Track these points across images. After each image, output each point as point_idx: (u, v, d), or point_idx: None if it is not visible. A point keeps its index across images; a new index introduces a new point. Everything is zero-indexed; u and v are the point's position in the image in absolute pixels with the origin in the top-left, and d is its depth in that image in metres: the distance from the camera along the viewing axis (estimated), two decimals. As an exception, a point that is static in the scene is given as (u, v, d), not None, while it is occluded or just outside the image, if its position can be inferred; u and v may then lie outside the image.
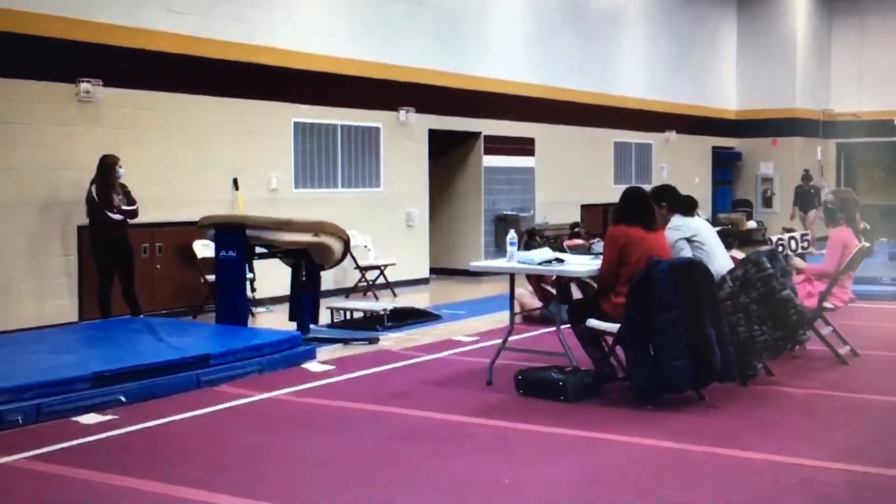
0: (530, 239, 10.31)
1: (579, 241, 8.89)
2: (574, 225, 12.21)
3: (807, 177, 16.66)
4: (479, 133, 12.72)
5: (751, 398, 5.45)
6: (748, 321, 5.59)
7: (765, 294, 5.67)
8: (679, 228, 5.78)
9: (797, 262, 6.73)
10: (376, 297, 10.29)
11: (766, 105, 19.04)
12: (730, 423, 4.95)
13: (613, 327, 5.37)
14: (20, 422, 4.86)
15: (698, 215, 6.13)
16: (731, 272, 5.68)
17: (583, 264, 5.88)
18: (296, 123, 10.22)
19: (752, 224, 17.85)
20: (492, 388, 5.74)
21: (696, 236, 5.75)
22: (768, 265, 5.73)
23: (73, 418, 5.01)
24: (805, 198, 16.64)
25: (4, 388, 4.97)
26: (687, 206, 5.94)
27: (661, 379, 5.11)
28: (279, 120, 10.00)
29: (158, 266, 8.76)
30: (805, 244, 6.80)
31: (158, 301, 8.63)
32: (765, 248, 6.50)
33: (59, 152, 8.01)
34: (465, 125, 12.49)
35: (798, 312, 5.85)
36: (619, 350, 5.59)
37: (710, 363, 5.17)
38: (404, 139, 11.58)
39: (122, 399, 5.31)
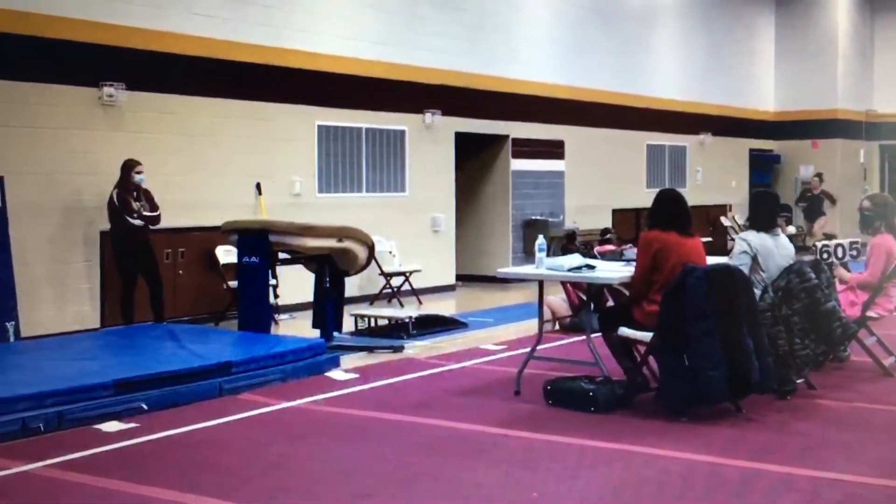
0: (569, 243, 10.26)
1: (611, 247, 8.85)
2: (605, 231, 12.16)
3: (817, 181, 15.67)
4: (507, 136, 12.72)
5: (790, 411, 5.38)
6: (789, 334, 5.51)
7: (808, 306, 5.58)
8: (748, 242, 5.69)
9: (842, 272, 6.61)
10: (401, 305, 10.31)
11: (805, 105, 18.81)
12: (768, 437, 4.90)
13: (646, 336, 5.33)
14: (42, 429, 4.94)
15: (784, 231, 5.94)
16: (772, 282, 5.60)
17: (614, 271, 5.85)
18: (319, 127, 10.29)
19: (791, 229, 17.62)
20: (520, 399, 5.73)
21: (759, 257, 5.63)
22: (812, 275, 5.64)
23: (95, 426, 5.08)
24: (811, 204, 15.54)
25: (26, 395, 5.07)
26: (759, 222, 5.81)
27: (696, 390, 5.06)
28: (303, 123, 10.08)
29: (181, 272, 8.86)
30: (854, 252, 6.61)
31: (180, 307, 8.73)
32: (808, 257, 6.39)
33: (82, 157, 8.14)
34: (492, 128, 12.50)
35: (843, 326, 5.74)
36: (651, 360, 5.55)
37: (747, 374, 5.11)
38: (430, 142, 11.61)
39: (144, 407, 5.38)
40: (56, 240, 8.00)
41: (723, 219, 16.80)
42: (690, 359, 5.04)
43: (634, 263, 5.63)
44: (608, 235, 11.46)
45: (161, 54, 8.69)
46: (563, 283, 8.14)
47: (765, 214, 5.89)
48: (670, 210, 5.48)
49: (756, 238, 5.72)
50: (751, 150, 18.63)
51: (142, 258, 8.00)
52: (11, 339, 7.17)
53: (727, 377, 5.04)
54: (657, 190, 5.88)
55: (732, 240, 15.71)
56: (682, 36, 16.36)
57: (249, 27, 9.48)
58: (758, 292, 5.49)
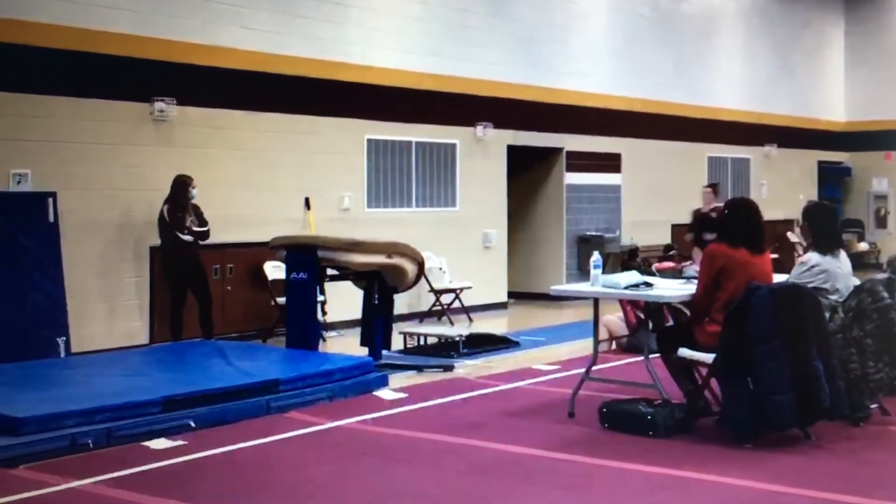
0: (630, 259, 10.11)
1: (669, 264, 8.73)
2: (668, 247, 11.86)
3: (709, 193, 11.31)
4: (561, 149, 12.68)
5: (863, 439, 5.22)
6: (861, 357, 5.36)
7: (881, 327, 5.42)
8: (808, 267, 5.50)
9: None
10: (451, 322, 10.32)
11: (877, 115, 18.33)
12: (838, 466, 4.76)
13: (708, 358, 5.24)
14: (90, 445, 5.06)
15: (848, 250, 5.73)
16: (842, 302, 5.45)
17: (673, 289, 5.77)
18: (369, 141, 10.41)
19: (863, 246, 17.16)
20: (574, 421, 5.67)
21: (826, 283, 5.44)
22: (885, 294, 5.48)
23: (143, 443, 5.19)
24: (706, 227, 10.35)
25: (76, 411, 5.21)
26: (821, 244, 5.55)
27: (762, 415, 4.95)
28: (352, 137, 10.21)
29: (229, 287, 9.02)
30: None
31: (229, 323, 8.88)
32: (880, 275, 6.22)
33: (133, 172, 8.37)
34: (545, 140, 12.47)
35: (920, 347, 5.56)
36: (713, 382, 5.45)
37: (816, 399, 4.99)
38: (481, 156, 11.64)
39: (192, 424, 5.48)
40: (106, 255, 8.22)
41: (790, 234, 16.44)
42: (755, 382, 4.93)
43: (695, 281, 5.54)
44: (672, 252, 11.17)
45: (211, 69, 8.90)
46: (622, 302, 8.04)
47: (827, 234, 5.65)
48: (743, 224, 5.30)
49: (821, 262, 5.54)
50: (819, 163, 18.22)
51: (191, 274, 8.17)
52: (62, 354, 7.38)
53: (795, 402, 4.93)
54: (719, 204, 5.75)
55: (800, 255, 15.36)
56: (745, 43, 16.13)
57: (299, 41, 9.65)
58: (826, 314, 5.35)
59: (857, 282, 5.69)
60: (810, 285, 5.42)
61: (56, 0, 7.83)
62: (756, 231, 5.32)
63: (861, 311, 5.43)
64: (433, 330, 9.05)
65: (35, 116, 7.76)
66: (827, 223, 5.76)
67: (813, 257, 5.58)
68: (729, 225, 5.34)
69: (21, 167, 7.66)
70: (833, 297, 5.45)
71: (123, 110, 8.31)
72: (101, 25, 8.12)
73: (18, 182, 7.62)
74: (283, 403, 6.00)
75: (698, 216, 11.08)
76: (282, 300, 8.42)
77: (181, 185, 8.07)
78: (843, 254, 5.70)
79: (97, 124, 8.15)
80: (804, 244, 5.94)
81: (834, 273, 5.52)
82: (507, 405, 6.24)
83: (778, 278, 5.60)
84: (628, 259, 10.04)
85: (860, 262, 13.97)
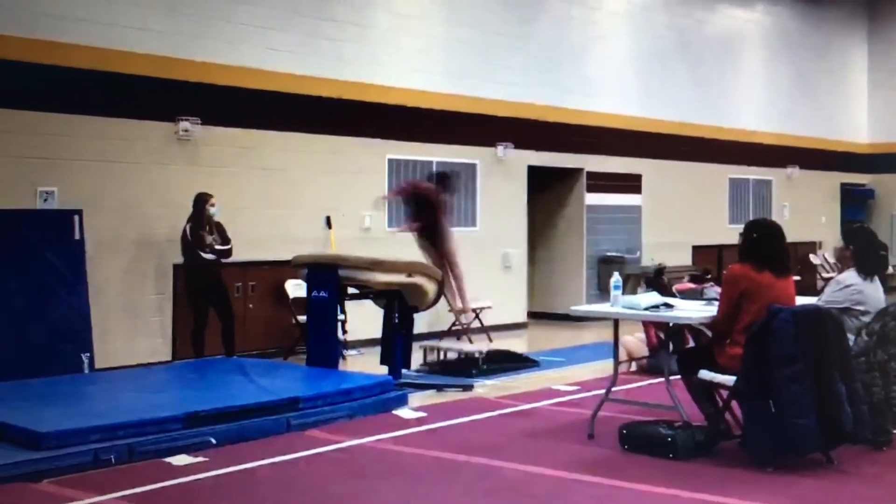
0: (657, 277, 10.04)
1: (690, 285, 8.67)
2: (706, 271, 11.63)
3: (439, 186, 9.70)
4: (582, 169, 12.69)
5: (887, 463, 5.17)
6: (885, 380, 5.32)
7: (906, 350, 5.38)
8: (843, 286, 5.48)
9: None
10: (471, 342, 10.31)
11: (902, 137, 18.21)
12: (861, 490, 4.72)
13: (729, 380, 5.21)
14: (113, 461, 5.11)
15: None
16: (866, 325, 5.42)
17: (693, 310, 5.75)
18: (390, 160, 10.48)
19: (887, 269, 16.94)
20: (593, 443, 5.66)
21: (858, 305, 5.44)
22: (910, 318, 5.44)
23: (165, 459, 5.23)
24: (419, 207, 9.58)
25: (99, 427, 5.26)
26: (864, 266, 5.54)
27: (783, 438, 4.92)
28: (373, 157, 10.29)
29: (251, 305, 9.09)
30: None
31: (250, 341, 8.94)
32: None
33: (157, 191, 8.48)
34: (566, 161, 12.50)
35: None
36: (735, 405, 5.42)
37: (839, 423, 4.95)
38: (502, 176, 11.68)
39: (213, 441, 5.52)
40: (130, 272, 8.32)
41: (812, 257, 16.32)
42: (777, 405, 4.90)
43: (715, 303, 5.53)
44: (708, 276, 10.91)
45: (235, 89, 9.02)
46: (644, 322, 8.01)
47: (872, 258, 5.63)
48: (768, 247, 5.27)
49: (858, 283, 5.50)
50: (842, 185, 18.09)
51: (213, 292, 8.25)
52: (86, 369, 7.46)
53: (817, 425, 4.89)
54: (740, 227, 5.73)
55: (823, 279, 15.23)
56: (767, 64, 16.10)
57: (322, 61, 9.76)
58: (851, 338, 5.31)
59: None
60: (842, 305, 5.40)
61: (83, 21, 7.99)
62: (781, 253, 5.31)
63: (885, 335, 5.40)
64: (453, 345, 9.05)
65: (62, 135, 7.90)
66: (872, 247, 5.74)
67: (850, 277, 5.57)
68: (754, 247, 5.32)
69: (48, 185, 7.80)
70: (864, 319, 5.43)
71: (149, 130, 8.44)
72: (127, 46, 8.27)
73: (45, 200, 7.75)
74: (304, 421, 6.02)
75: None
76: (303, 318, 8.47)
77: (200, 203, 8.17)
78: (877, 279, 5.68)
79: (123, 143, 8.28)
80: (839, 266, 5.89)
81: (868, 296, 5.50)
82: (526, 425, 6.24)
83: (801, 301, 5.58)
84: (654, 277, 9.98)
85: (883, 286, 13.78)
